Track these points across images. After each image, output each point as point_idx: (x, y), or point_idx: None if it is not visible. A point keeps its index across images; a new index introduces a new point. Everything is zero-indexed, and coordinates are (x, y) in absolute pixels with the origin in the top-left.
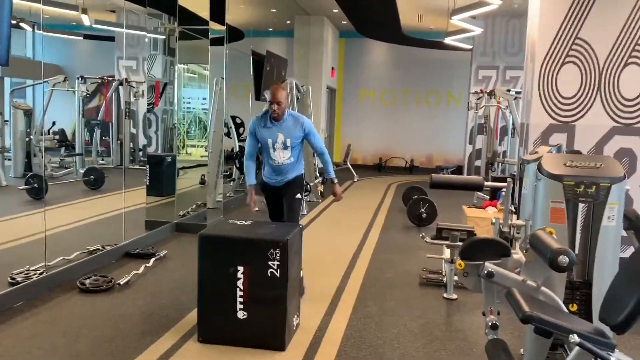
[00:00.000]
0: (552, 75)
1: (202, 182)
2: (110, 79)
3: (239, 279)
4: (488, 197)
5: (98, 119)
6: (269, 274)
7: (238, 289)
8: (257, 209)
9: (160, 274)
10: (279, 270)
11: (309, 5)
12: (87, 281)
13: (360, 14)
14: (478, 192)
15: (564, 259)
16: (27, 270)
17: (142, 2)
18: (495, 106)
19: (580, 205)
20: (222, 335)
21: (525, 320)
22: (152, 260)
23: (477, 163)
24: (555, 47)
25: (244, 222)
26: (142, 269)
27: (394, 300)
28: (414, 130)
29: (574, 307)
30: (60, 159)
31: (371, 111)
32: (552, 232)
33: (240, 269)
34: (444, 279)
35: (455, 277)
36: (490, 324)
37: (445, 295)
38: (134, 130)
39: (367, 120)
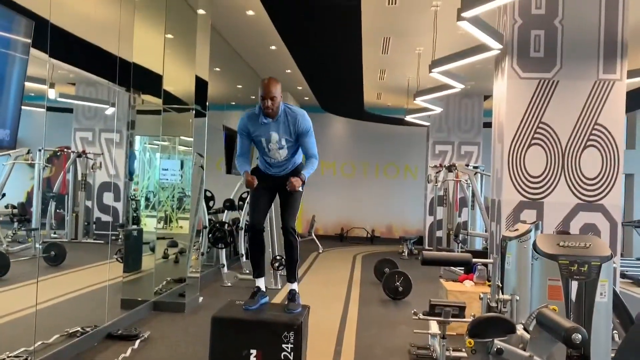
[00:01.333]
0: (520, 155)
1: (165, 256)
2: (68, 150)
3: None
4: (457, 268)
5: (54, 191)
6: (282, 358)
7: None
8: (254, 184)
9: (148, 357)
10: (292, 354)
11: None
12: None
13: (326, 93)
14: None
15: (577, 336)
16: (8, 357)
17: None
18: (454, 180)
19: (573, 283)
20: None
21: None
22: (137, 342)
23: (439, 234)
24: (521, 130)
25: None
26: (129, 352)
27: None
28: (374, 201)
29: None
30: (13, 233)
31: (332, 182)
32: (556, 309)
33: (253, 352)
34: (434, 354)
35: (447, 353)
36: None
37: None
38: (88, 203)
39: (329, 191)
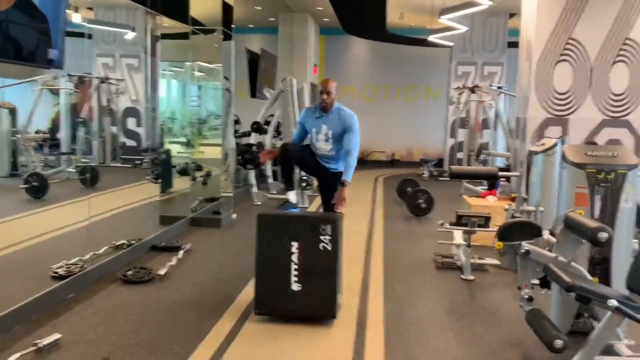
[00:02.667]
0: (548, 72)
1: (193, 178)
2: (92, 76)
3: (294, 253)
4: (478, 187)
5: (81, 117)
6: (321, 248)
7: (292, 263)
8: (265, 160)
9: (192, 265)
10: (330, 245)
11: (294, 3)
12: (129, 273)
13: (349, 13)
14: (465, 183)
15: (603, 235)
16: (66, 265)
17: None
18: (477, 101)
19: (597, 190)
20: (277, 307)
21: (569, 289)
22: (181, 252)
23: (459, 155)
24: (549, 47)
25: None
26: (174, 261)
27: (418, 283)
28: (395, 124)
29: (595, 280)
30: (45, 158)
31: (352, 106)
32: (582, 213)
33: (294, 244)
34: (458, 263)
35: (472, 260)
36: (526, 296)
37: (462, 276)
38: (114, 129)
39: None
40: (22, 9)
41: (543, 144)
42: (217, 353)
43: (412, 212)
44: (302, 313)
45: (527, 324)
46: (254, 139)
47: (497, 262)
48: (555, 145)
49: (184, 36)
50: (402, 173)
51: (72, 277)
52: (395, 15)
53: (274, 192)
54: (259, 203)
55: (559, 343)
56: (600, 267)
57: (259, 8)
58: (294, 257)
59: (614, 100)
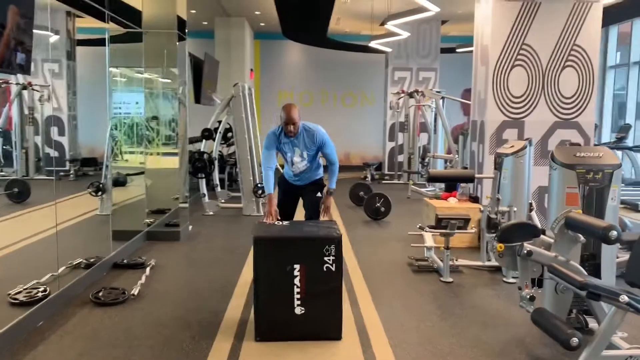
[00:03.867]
0: (504, 77)
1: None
2: (12, 83)
3: (296, 276)
4: (423, 189)
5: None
6: (325, 269)
7: (295, 286)
8: (272, 221)
9: (164, 282)
10: (334, 265)
11: (231, 7)
12: (100, 294)
13: (293, 18)
14: (412, 186)
15: (613, 233)
16: (25, 290)
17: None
18: (416, 105)
19: (582, 189)
20: (280, 332)
21: (582, 287)
22: (148, 270)
23: (400, 158)
24: (505, 52)
25: (279, 222)
26: (143, 279)
27: (401, 287)
28: (332, 129)
29: None
30: None
31: None
32: (580, 212)
33: (297, 266)
34: (434, 265)
35: (450, 263)
36: (528, 296)
37: (442, 279)
38: (37, 139)
39: None
40: None
41: (512, 146)
42: None
43: (370, 215)
44: (307, 336)
45: (533, 323)
46: (204, 146)
47: (473, 263)
48: (524, 147)
49: (136, 39)
50: (344, 177)
51: (36, 302)
52: (333, 20)
53: (223, 200)
54: (211, 213)
55: (575, 341)
56: (589, 263)
57: (194, 12)
58: (297, 280)
59: (565, 103)
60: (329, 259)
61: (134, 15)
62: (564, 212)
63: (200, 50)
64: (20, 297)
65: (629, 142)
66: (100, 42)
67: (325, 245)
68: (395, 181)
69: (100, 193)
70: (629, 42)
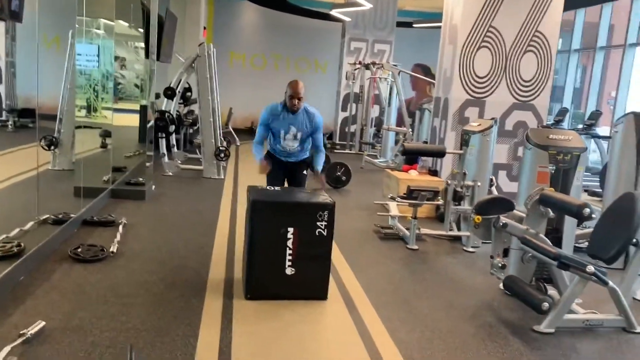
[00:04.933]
0: (470, 57)
1: (104, 146)
2: None
3: (289, 239)
4: (376, 160)
5: None
6: (317, 234)
7: (287, 248)
8: (266, 170)
9: (140, 240)
10: (326, 230)
11: None
12: (79, 251)
13: None
14: (366, 156)
15: (587, 210)
16: None
17: None
18: (372, 78)
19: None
20: (270, 291)
21: (555, 258)
22: (121, 227)
23: (352, 129)
24: (473, 32)
25: (272, 188)
26: (118, 236)
27: (372, 253)
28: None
29: None
30: None
31: (242, 75)
32: (552, 190)
33: (290, 229)
34: (400, 233)
35: (417, 231)
36: (499, 265)
37: (408, 246)
38: None
39: (238, 84)
40: None
41: (479, 125)
42: (224, 333)
43: (331, 184)
44: (295, 296)
45: (504, 288)
46: (166, 105)
47: (436, 232)
48: (491, 126)
49: None
50: None
51: (13, 257)
52: None
53: (180, 161)
54: (171, 173)
55: (546, 305)
56: (552, 236)
57: None
58: (289, 243)
59: (523, 86)
60: (322, 224)
61: None
62: (538, 189)
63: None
64: None
65: (565, 125)
66: None
67: (319, 211)
68: (347, 151)
69: (53, 147)
70: (571, 29)
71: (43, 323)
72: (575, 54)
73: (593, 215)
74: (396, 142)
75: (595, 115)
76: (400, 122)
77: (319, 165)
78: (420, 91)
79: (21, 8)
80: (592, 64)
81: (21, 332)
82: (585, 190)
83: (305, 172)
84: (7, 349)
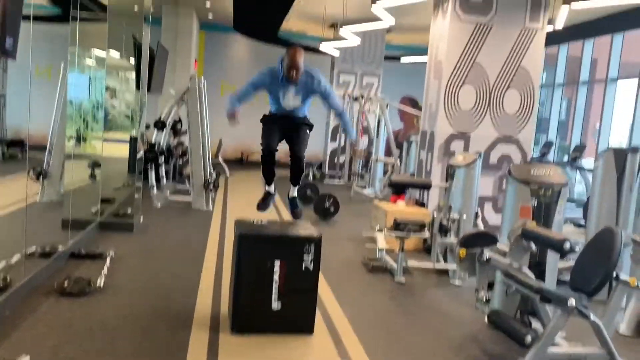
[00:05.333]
0: (455, 92)
1: (93, 176)
2: None
3: (276, 272)
4: (364, 190)
5: None
6: (304, 268)
7: (274, 282)
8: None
9: (127, 274)
10: (312, 264)
11: None
12: (65, 285)
13: (248, 13)
14: (355, 187)
15: (567, 245)
16: None
17: None
18: (360, 110)
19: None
20: (256, 325)
21: (537, 291)
22: (108, 260)
23: (341, 159)
24: (458, 69)
25: (260, 221)
26: (105, 270)
27: (360, 285)
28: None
29: None
30: None
31: None
32: (534, 224)
33: (277, 262)
34: (387, 265)
35: (404, 264)
36: (484, 298)
37: (395, 279)
38: None
39: None
40: None
41: (464, 158)
42: None
43: (319, 215)
44: (281, 330)
45: (489, 322)
46: (156, 136)
47: (422, 265)
48: (475, 160)
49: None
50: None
51: (1, 291)
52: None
53: (169, 192)
54: (159, 205)
55: (529, 339)
56: (535, 269)
57: None
58: (276, 276)
59: (507, 121)
60: (308, 258)
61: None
62: (520, 224)
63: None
64: None
65: (550, 158)
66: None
67: (305, 244)
68: (337, 181)
69: (42, 178)
70: (554, 63)
71: (28, 357)
72: (559, 87)
73: (576, 248)
74: (385, 172)
75: (580, 148)
76: (388, 153)
77: (350, 132)
78: (408, 123)
79: (15, 47)
80: (575, 98)
81: None
82: (571, 222)
83: (307, 131)
84: None
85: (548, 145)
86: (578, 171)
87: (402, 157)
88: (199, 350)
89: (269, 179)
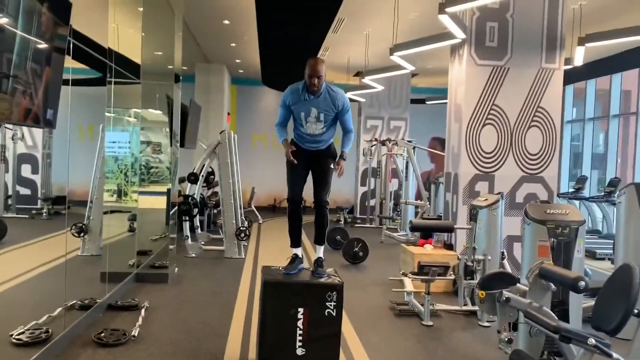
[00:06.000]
0: (476, 134)
1: (132, 230)
2: None
3: (299, 319)
4: (395, 234)
5: None
6: (327, 314)
7: (298, 329)
8: (292, 158)
9: (161, 323)
10: (335, 310)
11: (212, 55)
12: (102, 335)
13: (274, 68)
14: (385, 230)
15: (582, 283)
16: (26, 330)
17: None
18: (388, 153)
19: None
20: None
21: (556, 331)
22: (143, 311)
23: (372, 202)
24: (477, 111)
25: (279, 267)
26: (140, 320)
27: (386, 331)
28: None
29: None
30: None
31: (264, 155)
32: (552, 264)
33: (301, 310)
34: (415, 309)
35: (431, 307)
36: (506, 339)
37: (423, 322)
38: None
39: (261, 163)
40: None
41: (486, 200)
42: None
43: (348, 260)
44: None
45: None
46: (189, 189)
47: (450, 308)
48: (497, 201)
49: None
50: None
51: (40, 343)
52: None
53: (203, 243)
54: (193, 255)
55: None
56: (559, 309)
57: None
58: (300, 323)
59: (530, 160)
60: (331, 305)
61: (134, 68)
62: (537, 263)
63: (180, 94)
64: (24, 337)
65: (585, 192)
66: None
67: (327, 292)
68: (368, 225)
69: (83, 234)
70: (583, 97)
71: None
72: (589, 122)
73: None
74: (416, 214)
75: (613, 183)
76: (419, 195)
77: (346, 146)
78: (439, 163)
79: (55, 117)
80: (607, 131)
81: None
82: (609, 259)
83: (331, 165)
84: None
85: (582, 180)
86: (614, 206)
87: (431, 198)
88: None
89: (295, 240)
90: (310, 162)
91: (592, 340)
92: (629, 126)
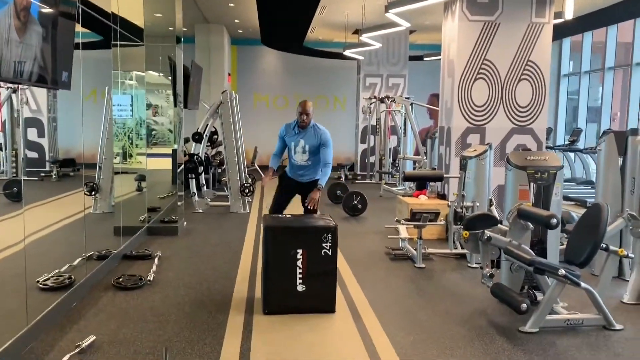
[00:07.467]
0: (468, 88)
1: (139, 189)
2: (1, 86)
3: (299, 259)
4: (394, 188)
5: None
6: (323, 254)
7: (298, 267)
8: (266, 181)
9: (173, 270)
10: (330, 250)
11: (212, 15)
12: (120, 280)
13: (273, 27)
14: (384, 185)
15: (553, 220)
16: (51, 277)
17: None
18: (387, 110)
19: (532, 186)
20: (284, 306)
21: (530, 264)
22: (156, 260)
23: (371, 159)
24: (469, 66)
25: (286, 215)
26: (154, 267)
27: (381, 272)
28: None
29: None
30: None
31: (265, 114)
32: (530, 204)
33: (300, 251)
34: (409, 254)
35: (423, 251)
36: (488, 274)
37: (415, 265)
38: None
39: (262, 123)
40: (44, 31)
41: (475, 150)
42: (244, 342)
43: (348, 212)
44: (307, 310)
45: (492, 295)
46: (194, 148)
47: (441, 251)
48: (485, 151)
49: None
50: None
51: (65, 288)
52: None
53: (209, 199)
54: (201, 210)
55: (524, 306)
56: (538, 247)
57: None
58: (299, 263)
59: (520, 112)
60: (327, 245)
61: (137, 30)
62: (516, 205)
63: (182, 55)
64: (49, 283)
65: (580, 144)
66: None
67: (323, 234)
68: (368, 181)
69: (94, 193)
70: (580, 51)
71: (94, 337)
72: (585, 75)
73: (569, 224)
74: (414, 169)
75: (577, 133)
76: (417, 151)
77: (323, 178)
78: (437, 119)
79: (69, 79)
80: (603, 84)
81: (77, 344)
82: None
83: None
84: (66, 357)
85: (577, 132)
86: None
87: (428, 153)
88: (236, 329)
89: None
90: (297, 190)
91: (562, 271)
92: (630, 79)
